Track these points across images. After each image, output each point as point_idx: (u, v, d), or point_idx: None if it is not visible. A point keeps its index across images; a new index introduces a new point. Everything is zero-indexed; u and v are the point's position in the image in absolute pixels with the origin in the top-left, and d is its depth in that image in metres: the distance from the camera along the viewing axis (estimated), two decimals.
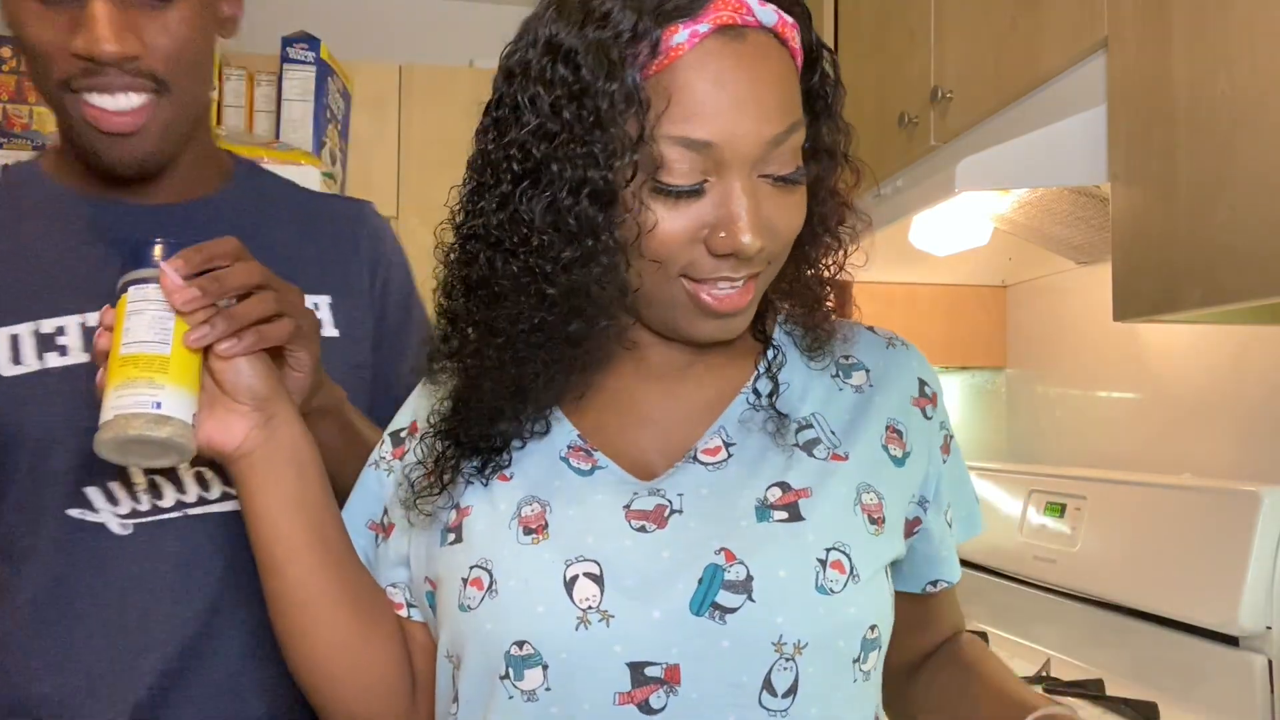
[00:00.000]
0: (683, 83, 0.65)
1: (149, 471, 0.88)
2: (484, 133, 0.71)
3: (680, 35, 0.65)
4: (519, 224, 0.67)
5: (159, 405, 0.69)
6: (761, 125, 0.67)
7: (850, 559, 0.70)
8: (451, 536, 0.74)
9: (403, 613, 0.80)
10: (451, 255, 0.73)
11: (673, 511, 0.71)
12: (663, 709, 0.66)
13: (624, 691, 0.66)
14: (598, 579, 0.68)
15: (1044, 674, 1.60)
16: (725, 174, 0.67)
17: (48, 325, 0.89)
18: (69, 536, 0.87)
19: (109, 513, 0.88)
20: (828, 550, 0.70)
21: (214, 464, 0.87)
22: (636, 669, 0.66)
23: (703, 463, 0.74)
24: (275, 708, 0.91)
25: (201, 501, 0.90)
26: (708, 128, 0.65)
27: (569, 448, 0.75)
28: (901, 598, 0.80)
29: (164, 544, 0.88)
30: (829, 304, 0.80)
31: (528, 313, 0.68)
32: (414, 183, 2.83)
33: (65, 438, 0.87)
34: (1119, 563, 1.55)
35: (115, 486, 0.88)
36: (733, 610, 0.67)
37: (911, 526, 0.80)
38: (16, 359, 0.88)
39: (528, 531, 0.71)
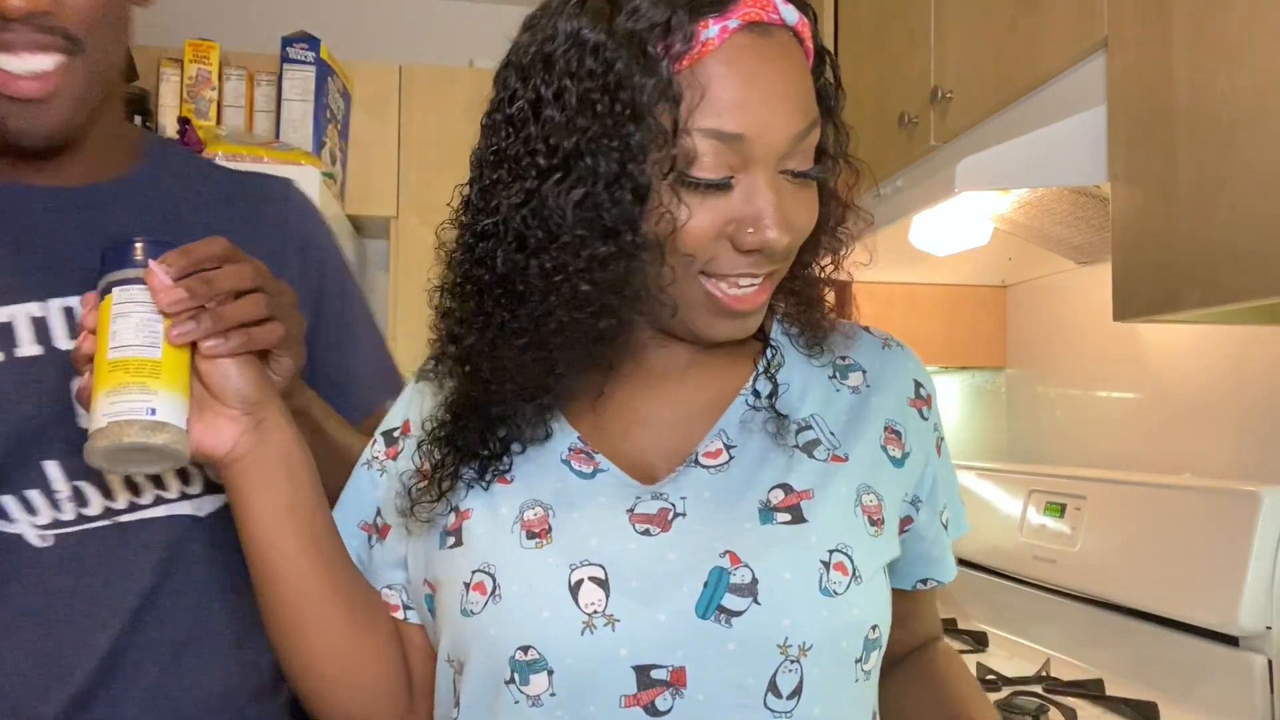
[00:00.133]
0: (714, 77, 0.65)
1: (73, 478, 0.82)
2: (495, 130, 0.70)
3: (711, 30, 0.65)
4: (546, 220, 0.66)
5: (153, 411, 0.68)
6: (789, 120, 0.67)
7: (852, 560, 0.71)
8: (451, 540, 0.74)
9: (399, 615, 0.79)
10: (457, 254, 0.72)
11: (676, 515, 0.71)
12: (669, 711, 0.66)
13: (630, 694, 0.66)
14: (603, 583, 0.68)
15: (1044, 674, 1.61)
16: (751, 169, 0.67)
17: None
18: None
19: (26, 523, 0.81)
20: (830, 552, 0.70)
21: None
22: (642, 672, 0.66)
23: (704, 465, 0.74)
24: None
25: (134, 507, 0.84)
26: (739, 121, 0.65)
27: (570, 450, 0.75)
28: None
29: (87, 556, 0.82)
30: (828, 304, 0.81)
31: (558, 311, 0.67)
32: (414, 183, 2.83)
33: None
34: (1119, 563, 1.55)
35: (34, 495, 0.81)
36: (738, 613, 0.67)
37: (903, 525, 0.80)
38: None
39: (531, 535, 0.71)
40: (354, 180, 2.83)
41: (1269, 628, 1.31)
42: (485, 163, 0.70)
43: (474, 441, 0.74)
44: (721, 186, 0.66)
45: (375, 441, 0.83)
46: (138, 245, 0.70)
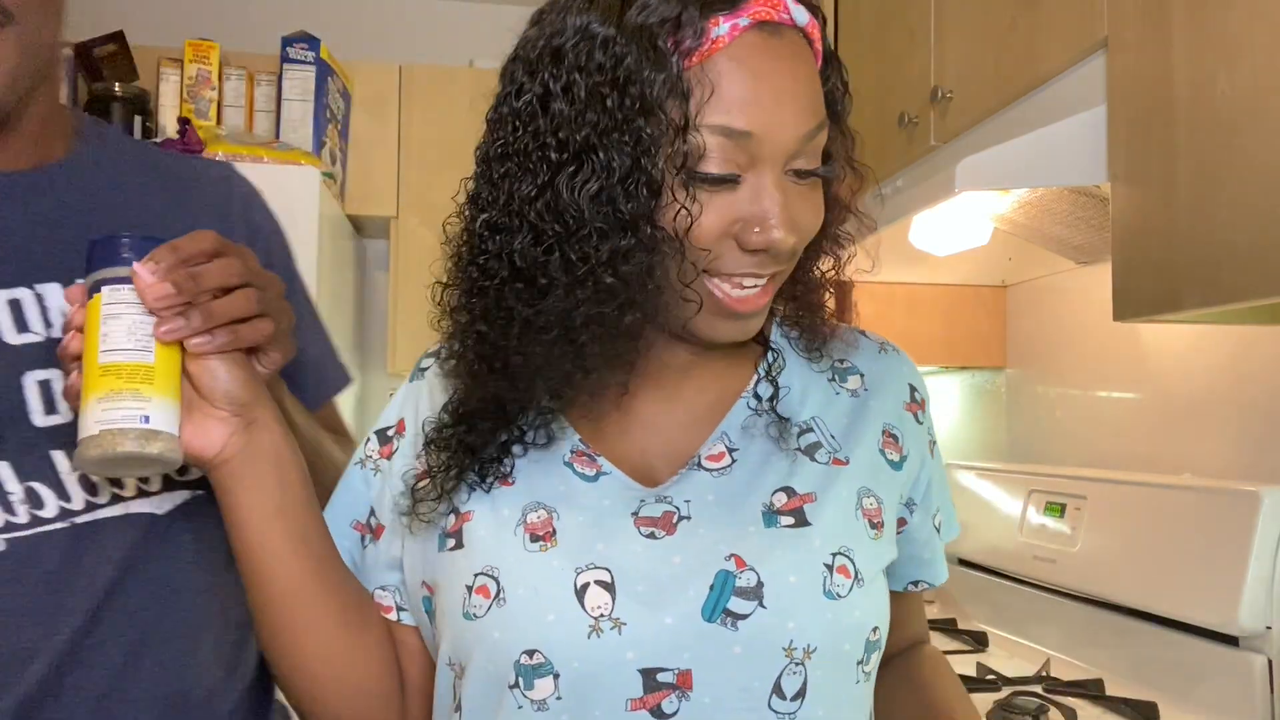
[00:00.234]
0: (724, 74, 0.65)
1: (26, 479, 0.79)
2: (501, 123, 0.69)
3: (721, 27, 0.65)
4: (562, 213, 0.65)
5: (147, 419, 0.66)
6: (797, 120, 0.67)
7: (854, 563, 0.71)
8: (451, 542, 0.73)
9: (392, 616, 0.79)
10: (466, 249, 0.71)
11: (680, 518, 0.71)
12: (674, 713, 0.66)
13: (636, 698, 0.66)
14: (609, 586, 0.68)
15: (1044, 674, 1.61)
16: (759, 168, 0.67)
17: None
18: None
19: None
20: (834, 555, 0.70)
21: None
22: (649, 675, 0.66)
23: (707, 469, 0.74)
24: None
25: (90, 507, 0.81)
26: (748, 119, 0.65)
27: (572, 452, 0.74)
28: None
29: (43, 559, 0.78)
30: (828, 307, 0.80)
31: (584, 305, 0.66)
32: (414, 183, 2.83)
33: None
34: (1119, 563, 1.55)
35: None
36: (744, 616, 0.67)
37: (898, 527, 0.80)
38: None
39: (535, 538, 0.70)
40: (354, 180, 2.83)
41: (1269, 628, 1.31)
42: (492, 157, 0.69)
43: (483, 442, 0.74)
44: (728, 182, 0.66)
45: (368, 440, 0.83)
46: (126, 242, 0.68)
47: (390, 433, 0.82)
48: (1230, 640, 1.35)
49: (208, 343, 0.69)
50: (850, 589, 0.70)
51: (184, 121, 2.39)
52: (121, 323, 0.67)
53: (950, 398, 2.43)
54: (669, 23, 0.64)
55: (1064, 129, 1.32)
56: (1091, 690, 1.50)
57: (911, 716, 0.83)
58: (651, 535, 0.70)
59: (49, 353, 0.79)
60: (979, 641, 1.83)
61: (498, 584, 0.69)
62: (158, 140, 2.41)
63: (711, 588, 0.67)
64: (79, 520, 0.80)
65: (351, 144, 2.82)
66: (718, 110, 0.65)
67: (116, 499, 0.82)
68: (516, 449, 0.74)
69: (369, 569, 0.80)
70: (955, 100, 1.67)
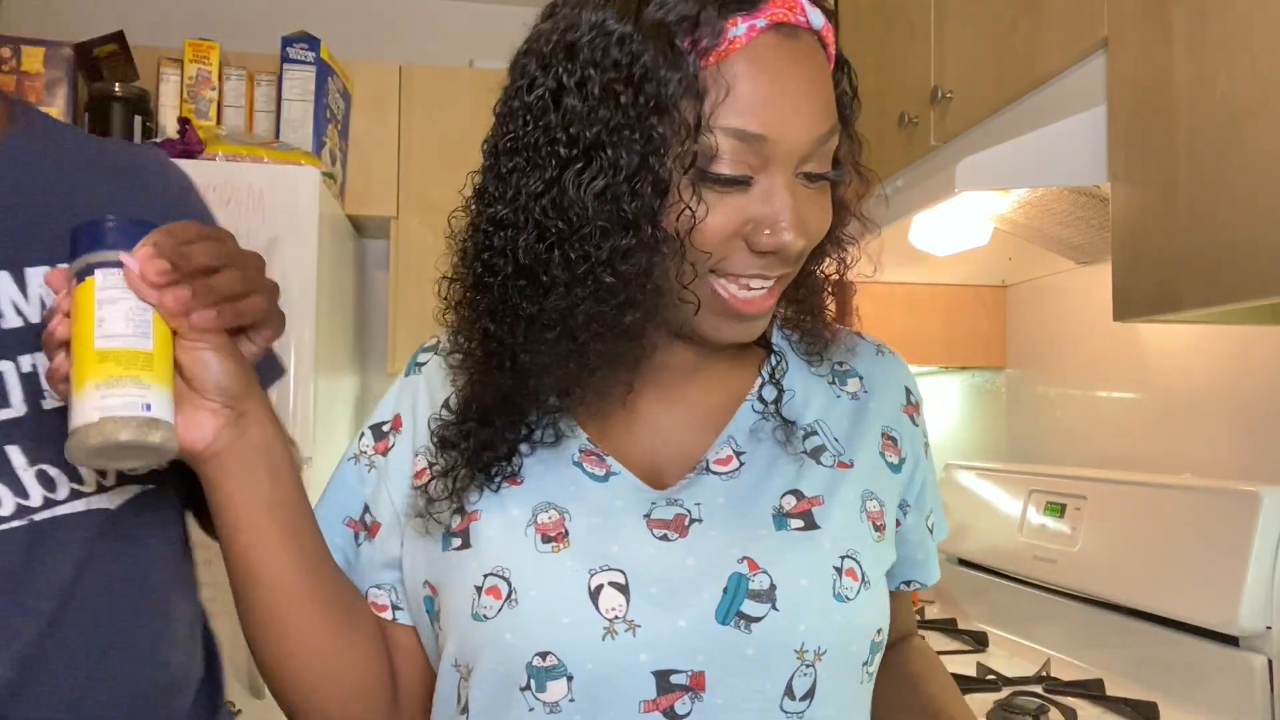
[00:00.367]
0: (740, 75, 0.64)
1: None
2: (512, 117, 0.68)
3: (739, 28, 0.65)
4: (566, 210, 0.65)
5: (149, 407, 0.65)
6: (811, 123, 0.67)
7: (861, 566, 0.72)
8: (457, 541, 0.72)
9: (387, 615, 0.78)
10: (471, 244, 0.71)
11: (692, 520, 0.71)
12: (687, 715, 0.66)
13: (649, 699, 0.66)
14: (623, 588, 0.67)
15: (1044, 674, 1.61)
16: (770, 170, 0.66)
17: None
18: None
19: None
20: (842, 558, 0.71)
21: (61, 458, 0.76)
22: (662, 677, 0.66)
23: (716, 473, 0.74)
24: None
25: (49, 504, 0.78)
26: (761, 121, 0.65)
27: (580, 452, 0.74)
28: None
29: (1, 559, 0.75)
30: (830, 310, 0.80)
31: (584, 304, 0.66)
32: (414, 183, 2.83)
33: None
34: (1119, 563, 1.55)
35: None
36: (758, 619, 0.67)
37: (895, 528, 0.81)
38: None
39: (546, 539, 0.70)
40: (354, 180, 2.83)
41: (1269, 628, 1.31)
42: (501, 151, 0.69)
43: (496, 439, 0.73)
44: (740, 184, 0.66)
45: (363, 435, 0.81)
46: (115, 226, 0.67)
47: (386, 428, 0.80)
48: (1230, 640, 1.35)
49: (212, 319, 0.67)
50: (858, 591, 0.71)
51: (184, 121, 2.39)
52: (119, 308, 0.65)
53: (950, 398, 2.43)
54: (687, 21, 0.64)
55: (1064, 129, 1.32)
56: (1091, 690, 1.50)
57: (905, 711, 0.83)
58: (664, 537, 0.70)
59: None
60: (979, 641, 1.83)
61: (509, 585, 0.68)
62: (157, 140, 2.41)
63: (725, 590, 0.68)
64: (38, 518, 0.78)
65: (351, 144, 2.82)
66: (732, 112, 0.64)
67: (76, 494, 0.79)
68: (524, 448, 0.74)
69: (363, 567, 0.79)
70: (955, 100, 1.67)
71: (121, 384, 0.64)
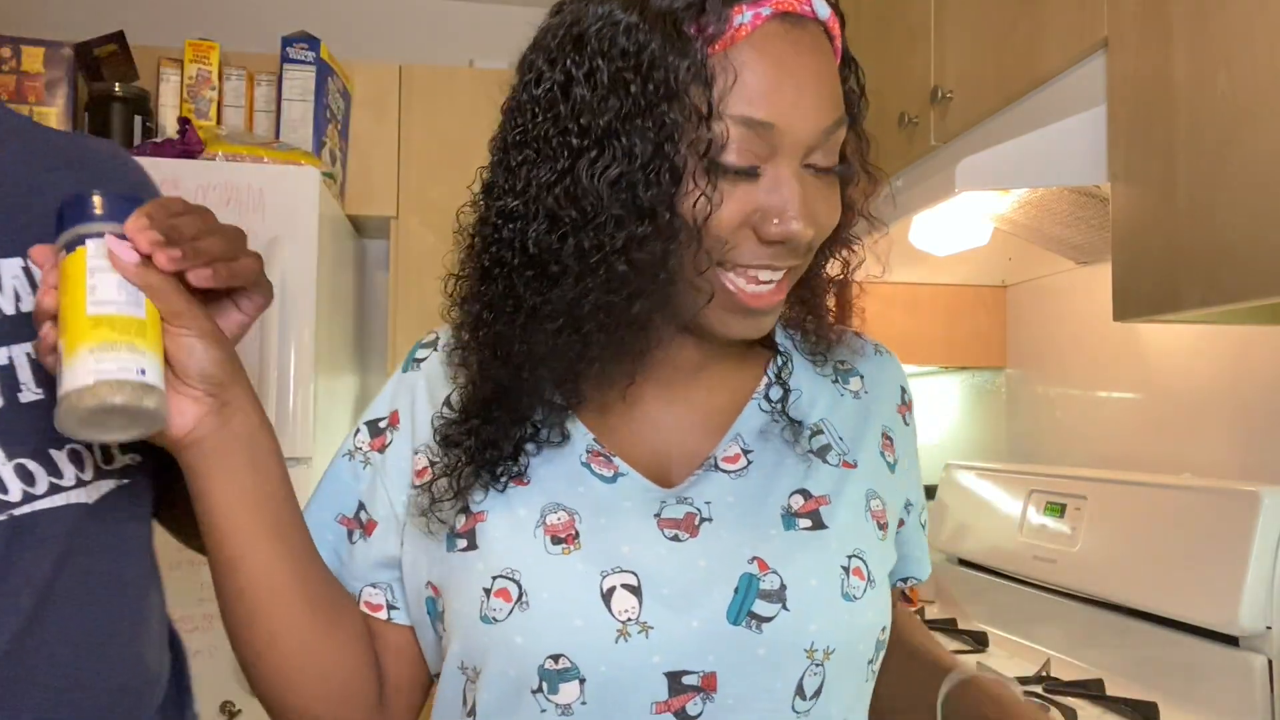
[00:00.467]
0: (746, 62, 0.64)
1: None
2: (520, 111, 0.69)
3: (744, 15, 0.65)
4: (580, 199, 0.65)
5: (144, 372, 0.64)
6: (818, 113, 0.67)
7: (867, 565, 0.72)
8: (462, 543, 0.71)
9: (382, 615, 0.77)
10: (479, 239, 0.71)
11: (703, 520, 0.71)
12: (699, 716, 0.67)
13: (661, 700, 0.66)
14: (635, 590, 0.67)
15: (1044, 674, 1.60)
16: (778, 159, 0.66)
17: None
18: None
19: None
20: (849, 557, 0.71)
21: (39, 452, 0.75)
22: (674, 678, 0.66)
23: (724, 471, 0.74)
24: None
25: (28, 498, 0.76)
26: (769, 109, 0.65)
27: (587, 452, 0.73)
28: None
29: None
30: (834, 311, 0.80)
31: (593, 294, 0.65)
32: (414, 183, 2.83)
33: None
34: (1119, 563, 1.55)
35: None
36: (769, 619, 0.67)
37: (897, 528, 0.82)
38: None
39: (556, 540, 0.69)
40: (354, 180, 2.83)
41: (1269, 628, 1.31)
42: (510, 145, 0.69)
43: (500, 436, 0.72)
44: (749, 174, 0.66)
45: (358, 431, 0.80)
46: (102, 198, 0.67)
47: (383, 424, 0.79)
48: (1230, 640, 1.35)
49: (209, 276, 0.67)
50: (865, 591, 0.71)
51: (184, 121, 2.39)
52: (112, 277, 0.65)
53: (950, 398, 2.43)
54: (693, 8, 0.64)
55: (1064, 129, 1.32)
56: (1091, 690, 1.50)
57: (917, 679, 0.85)
58: (675, 538, 0.70)
59: None
60: (979, 641, 1.83)
61: (520, 587, 0.68)
62: (158, 140, 2.41)
63: (736, 591, 0.68)
64: (17, 513, 0.76)
65: (351, 144, 2.82)
66: (740, 100, 0.64)
67: (55, 489, 0.77)
68: (530, 447, 0.73)
69: (357, 565, 0.77)
70: (955, 100, 1.67)
71: (116, 349, 0.64)
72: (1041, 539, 1.74)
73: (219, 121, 2.62)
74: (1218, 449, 1.56)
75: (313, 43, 2.63)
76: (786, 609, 0.68)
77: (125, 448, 0.82)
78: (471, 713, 0.70)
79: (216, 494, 0.69)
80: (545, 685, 0.66)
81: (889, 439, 0.82)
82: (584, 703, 0.66)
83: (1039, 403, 2.08)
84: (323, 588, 0.74)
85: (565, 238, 0.65)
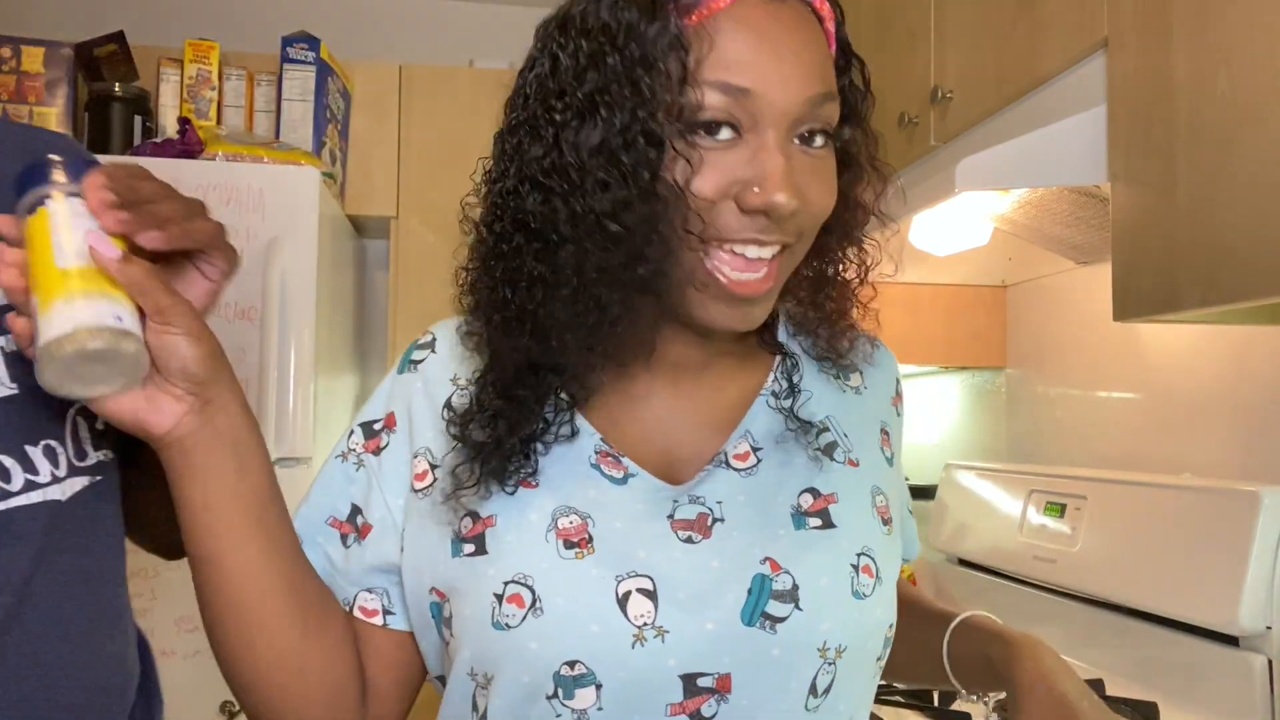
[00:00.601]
0: (723, 31, 0.65)
1: None
2: (516, 96, 0.71)
3: None
4: (566, 169, 0.66)
5: (120, 319, 0.64)
6: (800, 82, 0.66)
7: (876, 562, 0.73)
8: (469, 547, 0.70)
9: (377, 620, 0.75)
10: (484, 225, 0.71)
11: (715, 520, 0.71)
12: (713, 717, 0.67)
13: (676, 702, 0.66)
14: (651, 594, 0.67)
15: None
16: (761, 129, 0.66)
17: None
18: None
19: None
20: (858, 556, 0.72)
21: (14, 449, 0.75)
22: (689, 680, 0.66)
23: (735, 468, 0.74)
24: None
25: (3, 495, 0.75)
26: (747, 76, 0.65)
27: (596, 453, 0.73)
28: None
29: None
30: (850, 316, 0.79)
31: (592, 256, 0.66)
32: (414, 183, 2.83)
33: None
34: (1119, 563, 1.55)
35: None
36: (782, 620, 0.67)
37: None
38: None
39: (569, 545, 0.69)
40: (354, 180, 2.83)
41: (1269, 628, 1.31)
42: (507, 130, 0.71)
43: (526, 415, 0.71)
44: (728, 141, 0.66)
45: (352, 433, 0.79)
46: (61, 161, 0.67)
47: (378, 426, 0.78)
48: (1230, 640, 1.35)
49: (161, 238, 0.67)
50: (874, 588, 0.71)
51: (184, 121, 2.39)
52: (77, 233, 0.65)
53: (950, 398, 2.43)
54: None
55: (1064, 129, 1.31)
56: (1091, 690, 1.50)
57: (918, 625, 0.87)
58: (689, 540, 0.70)
59: None
60: None
61: (533, 593, 0.67)
62: (158, 140, 2.41)
63: (749, 592, 0.68)
64: None
65: (351, 144, 2.82)
66: (717, 66, 0.65)
67: (30, 485, 0.77)
68: (539, 447, 0.72)
69: (351, 569, 0.76)
70: (955, 100, 1.67)
71: (89, 297, 0.64)
72: (1041, 539, 1.74)
73: (219, 121, 2.62)
74: (1218, 449, 1.56)
75: (313, 43, 2.63)
76: (799, 609, 0.68)
77: (98, 444, 0.82)
78: (483, 718, 0.70)
79: (199, 494, 0.68)
80: (561, 691, 0.66)
81: (886, 434, 0.82)
82: (600, 708, 0.66)
83: (1039, 403, 2.08)
84: (308, 591, 0.73)
85: (558, 207, 0.66)
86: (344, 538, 0.76)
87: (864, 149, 0.75)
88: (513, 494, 0.71)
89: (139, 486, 0.87)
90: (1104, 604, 1.60)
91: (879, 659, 0.73)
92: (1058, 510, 1.72)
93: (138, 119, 2.53)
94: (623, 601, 0.67)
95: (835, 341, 0.79)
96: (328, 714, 0.73)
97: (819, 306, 0.78)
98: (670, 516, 0.70)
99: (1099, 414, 1.87)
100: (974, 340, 2.19)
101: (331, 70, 2.66)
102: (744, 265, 0.68)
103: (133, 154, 2.38)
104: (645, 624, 0.66)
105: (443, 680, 0.76)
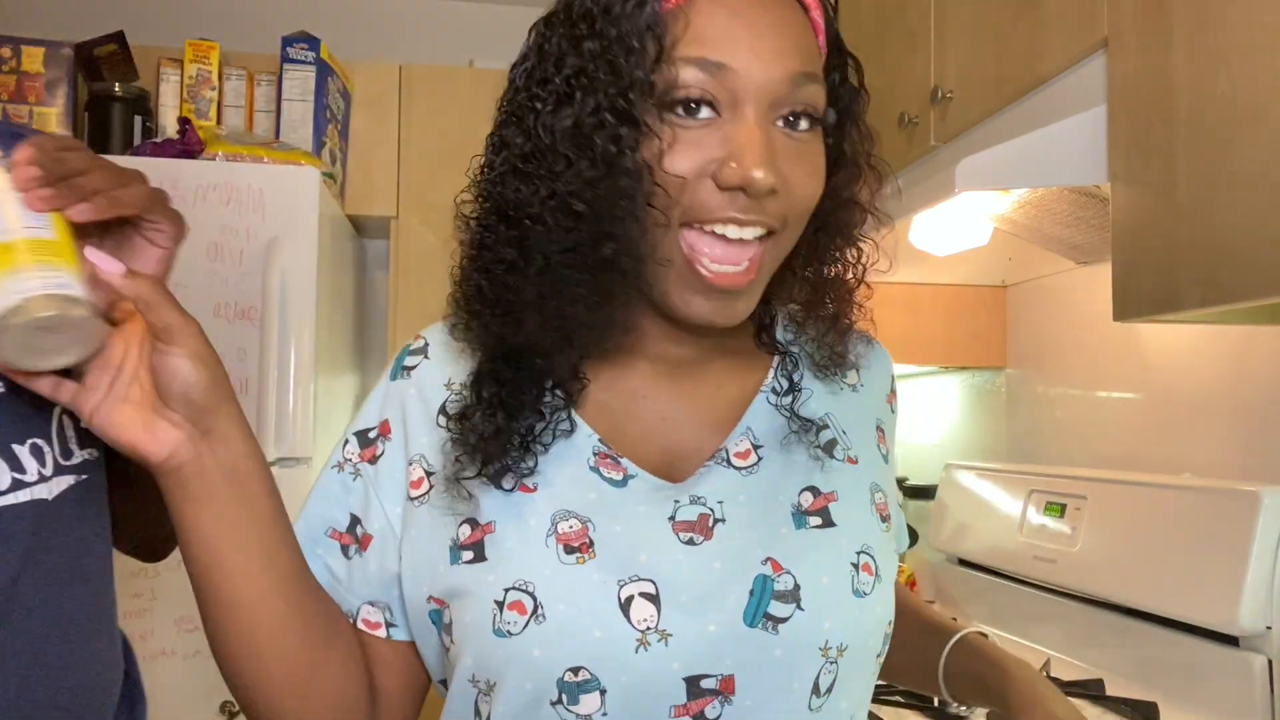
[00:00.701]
0: (700, 10, 0.66)
1: None
2: (506, 91, 0.72)
3: None
4: (544, 153, 0.66)
5: (67, 285, 0.63)
6: (778, 59, 0.66)
7: (875, 560, 0.73)
8: (468, 555, 0.70)
9: (380, 633, 0.75)
10: (472, 218, 0.72)
11: (716, 520, 0.71)
12: (717, 718, 0.66)
13: (680, 705, 0.66)
14: (654, 598, 0.67)
15: (1044, 674, 1.60)
16: (739, 107, 0.66)
17: None
18: None
19: None
20: (858, 554, 0.72)
21: (2, 448, 0.74)
22: (693, 682, 0.66)
23: (736, 467, 0.73)
24: None
25: None
26: (723, 51, 0.65)
27: (595, 454, 0.72)
28: None
29: None
30: (849, 316, 0.79)
31: (556, 235, 0.66)
32: (414, 183, 2.83)
33: None
34: (1119, 563, 1.55)
35: None
36: (784, 620, 0.67)
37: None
38: None
39: (570, 550, 0.68)
40: (354, 180, 2.83)
41: (1269, 628, 1.31)
42: (495, 126, 0.72)
43: (516, 403, 0.71)
44: (705, 116, 0.66)
45: (346, 442, 0.78)
46: None
47: (373, 435, 0.77)
48: (1230, 640, 1.35)
49: (88, 209, 0.67)
50: (873, 586, 0.71)
51: (184, 121, 2.39)
52: (9, 207, 0.64)
53: (950, 398, 2.43)
54: None
55: (1064, 129, 1.31)
56: (1091, 690, 1.50)
57: (916, 637, 0.89)
58: (690, 541, 0.69)
59: None
60: None
61: (534, 600, 0.66)
62: (158, 140, 2.41)
63: (751, 593, 0.68)
64: None
65: (351, 144, 2.82)
66: (693, 43, 0.65)
67: (18, 484, 0.77)
68: (537, 448, 0.72)
69: (355, 582, 0.75)
70: (955, 100, 1.67)
71: (32, 268, 0.63)
72: (1041, 539, 1.74)
73: (219, 121, 2.62)
74: (1218, 449, 1.56)
75: (313, 43, 2.63)
76: (801, 609, 0.68)
77: (84, 443, 0.81)
78: None
79: (194, 522, 0.67)
80: (565, 697, 0.65)
81: (882, 431, 0.83)
82: (605, 713, 0.65)
83: (1039, 403, 2.08)
84: (315, 610, 0.72)
85: (532, 191, 0.67)
86: (344, 549, 0.75)
87: (860, 147, 0.75)
88: (511, 496, 0.71)
89: (114, 487, 0.87)
90: (1104, 604, 1.60)
91: (878, 656, 0.73)
92: (1058, 510, 1.72)
93: (138, 119, 2.53)
94: (625, 606, 0.66)
95: (834, 341, 0.79)
96: None
97: (818, 308, 0.78)
98: (671, 518, 0.70)
99: (1099, 414, 1.87)
100: (974, 340, 2.19)
101: (331, 70, 2.66)
102: (724, 252, 0.67)
103: (133, 154, 2.38)
104: (648, 628, 0.66)
105: (445, 685, 0.76)
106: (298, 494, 0.76)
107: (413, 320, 2.79)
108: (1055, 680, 1.56)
